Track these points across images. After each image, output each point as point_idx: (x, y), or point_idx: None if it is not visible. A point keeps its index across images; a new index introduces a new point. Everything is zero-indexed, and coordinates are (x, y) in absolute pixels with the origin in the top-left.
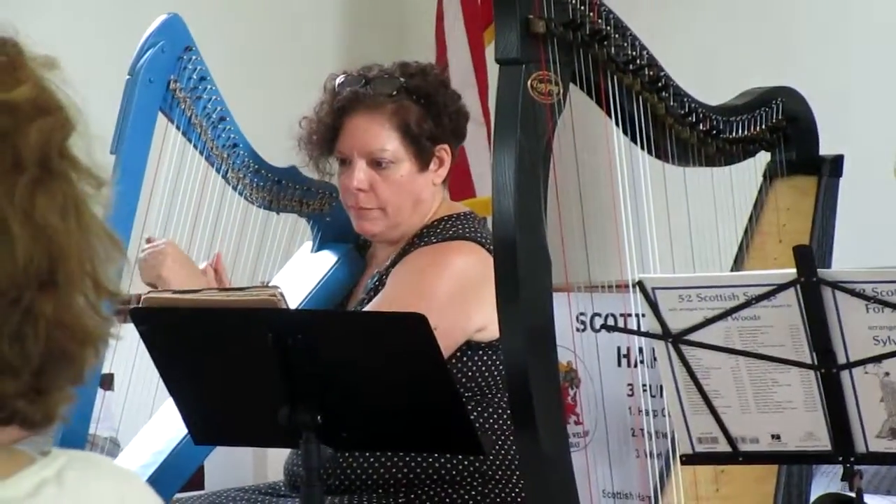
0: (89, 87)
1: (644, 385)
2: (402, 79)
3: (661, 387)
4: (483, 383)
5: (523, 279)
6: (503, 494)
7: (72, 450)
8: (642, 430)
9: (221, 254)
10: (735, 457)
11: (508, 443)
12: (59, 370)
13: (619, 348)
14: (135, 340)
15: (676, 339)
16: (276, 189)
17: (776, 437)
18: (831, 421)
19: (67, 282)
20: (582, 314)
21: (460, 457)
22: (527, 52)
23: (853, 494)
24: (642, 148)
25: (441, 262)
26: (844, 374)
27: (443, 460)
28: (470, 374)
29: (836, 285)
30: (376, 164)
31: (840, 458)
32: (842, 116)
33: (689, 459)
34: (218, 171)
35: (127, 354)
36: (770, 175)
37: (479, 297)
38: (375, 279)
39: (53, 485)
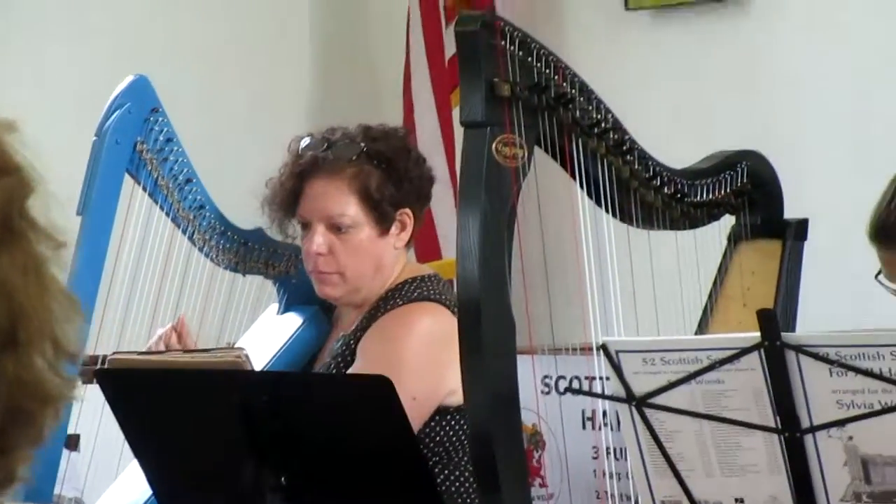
0: (56, 147)
1: (609, 448)
2: (363, 143)
3: (625, 449)
4: (451, 447)
5: (487, 342)
6: None
7: None
8: (607, 492)
9: (185, 316)
10: None
11: None
12: (19, 430)
13: (583, 411)
14: (100, 401)
15: (640, 403)
16: (242, 251)
17: (740, 500)
18: (795, 485)
19: (28, 341)
20: (547, 377)
21: None
22: (492, 115)
23: None
24: (607, 211)
25: (407, 326)
26: (808, 438)
27: None
28: (438, 438)
29: (799, 349)
30: (336, 228)
31: None
32: (806, 180)
33: None
34: (184, 232)
35: (93, 415)
36: (735, 238)
37: (447, 359)
38: (341, 342)
39: None
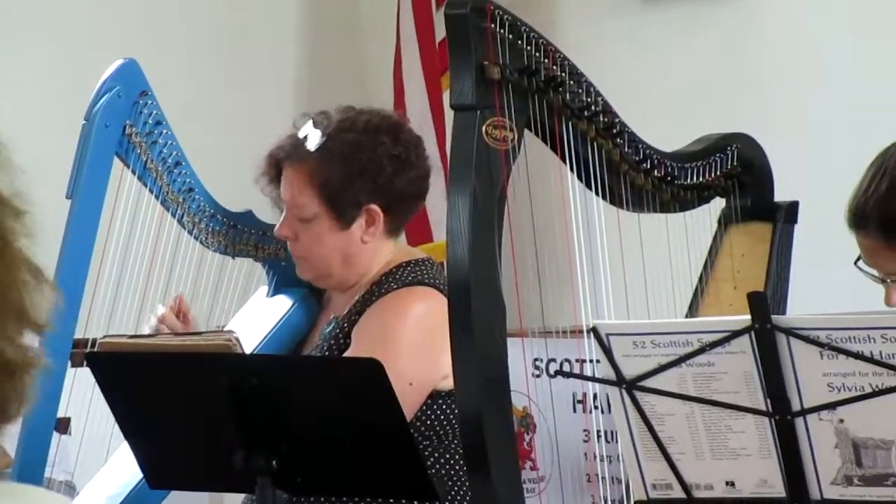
0: (45, 131)
1: (599, 431)
2: (324, 137)
3: (616, 432)
4: (441, 431)
5: (477, 325)
6: None
7: None
8: (597, 475)
9: (183, 296)
10: (689, 503)
11: (465, 489)
12: None
13: (574, 394)
14: (91, 385)
15: (630, 386)
16: (231, 234)
17: (730, 483)
18: (786, 468)
19: None
20: (538, 359)
21: (415, 502)
22: (482, 98)
23: None
24: (597, 194)
25: (401, 311)
26: (799, 421)
27: None
28: (429, 422)
29: (790, 332)
30: (299, 216)
31: None
32: (797, 162)
33: None
34: (173, 215)
35: (83, 398)
36: (725, 221)
37: (441, 343)
38: (333, 325)
39: None
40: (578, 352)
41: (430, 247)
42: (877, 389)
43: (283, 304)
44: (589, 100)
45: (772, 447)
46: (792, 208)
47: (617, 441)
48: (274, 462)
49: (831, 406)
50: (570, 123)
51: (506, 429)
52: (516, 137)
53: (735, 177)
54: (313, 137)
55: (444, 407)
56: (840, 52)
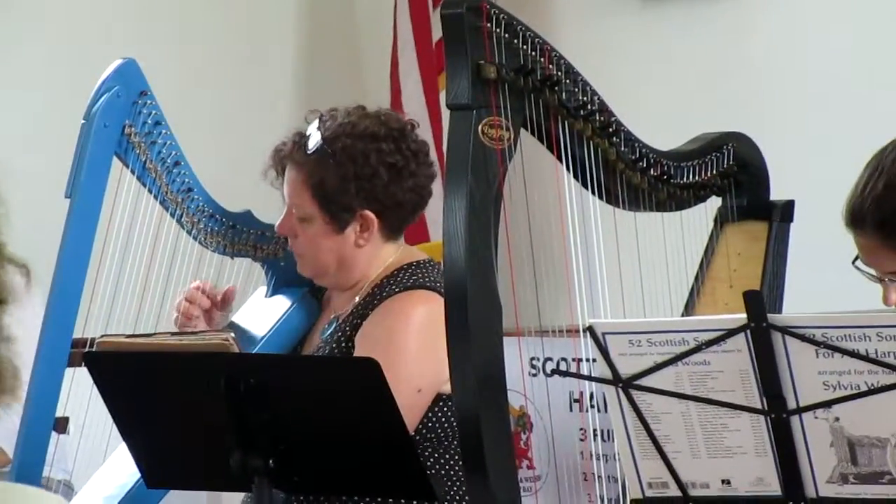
0: (44, 131)
1: (596, 430)
2: (322, 140)
3: (613, 431)
4: (441, 432)
5: (474, 324)
6: None
7: None
8: (594, 474)
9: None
10: (685, 502)
11: (463, 490)
12: None
13: (570, 393)
14: (89, 384)
15: (626, 384)
16: (230, 234)
17: (726, 482)
18: (781, 466)
19: None
20: (534, 359)
21: (413, 502)
22: (478, 97)
23: None
24: (593, 193)
25: (403, 317)
26: (794, 420)
27: None
28: (430, 424)
29: (786, 330)
30: (297, 216)
31: None
32: (793, 161)
33: None
34: (172, 215)
35: (81, 398)
36: (721, 220)
37: (444, 347)
38: (334, 327)
39: None
40: (575, 351)
41: (427, 246)
42: (872, 388)
43: (281, 304)
44: (585, 99)
45: (767, 445)
46: (788, 207)
47: (613, 440)
48: (271, 462)
49: (827, 404)
50: (566, 123)
51: (502, 428)
52: (512, 137)
53: (731, 176)
54: (313, 139)
55: (444, 409)
56: (836, 52)
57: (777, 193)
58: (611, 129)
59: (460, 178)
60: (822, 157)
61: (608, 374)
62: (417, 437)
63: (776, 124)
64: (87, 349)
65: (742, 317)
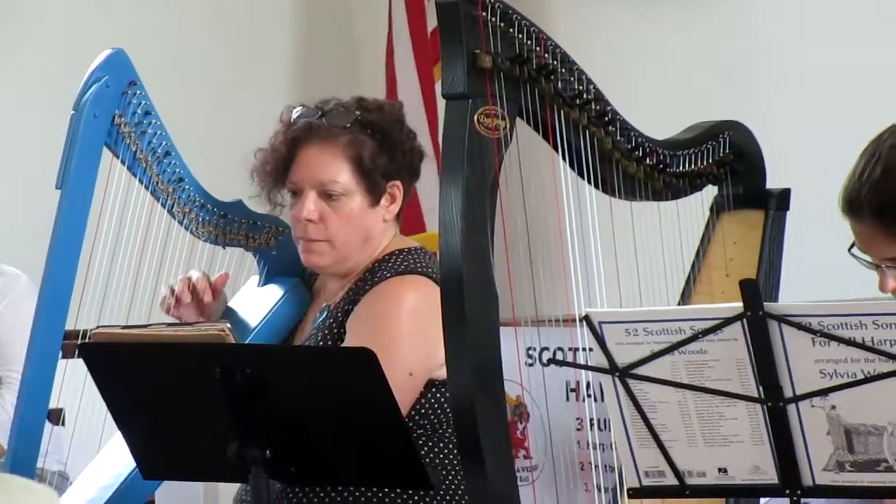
0: (35, 121)
1: (592, 419)
2: (357, 112)
3: (609, 420)
4: (435, 420)
5: (470, 314)
6: None
7: None
8: (591, 463)
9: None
10: (682, 490)
11: (458, 478)
12: None
13: (567, 382)
14: (84, 375)
15: (623, 374)
16: (222, 223)
17: (723, 470)
18: (778, 454)
19: None
20: (531, 348)
21: (410, 492)
22: (473, 87)
23: None
24: (589, 182)
25: (395, 302)
26: (791, 408)
27: (392, 495)
28: (423, 411)
29: (782, 319)
30: (327, 195)
31: (787, 492)
32: (788, 150)
33: (636, 493)
34: (164, 205)
35: (76, 389)
36: (717, 209)
37: (436, 332)
38: (326, 314)
39: None
40: (571, 340)
41: (423, 237)
42: (869, 376)
43: (274, 293)
44: (581, 88)
45: (764, 434)
46: (784, 196)
47: (610, 429)
48: (268, 452)
49: (823, 392)
50: (561, 112)
51: (499, 418)
52: (508, 126)
53: (727, 164)
54: (340, 116)
55: (437, 396)
56: (833, 39)
57: (773, 182)
58: (606, 119)
59: (456, 167)
60: (818, 145)
61: (605, 364)
62: (412, 426)
63: (772, 112)
64: (80, 340)
65: (738, 305)
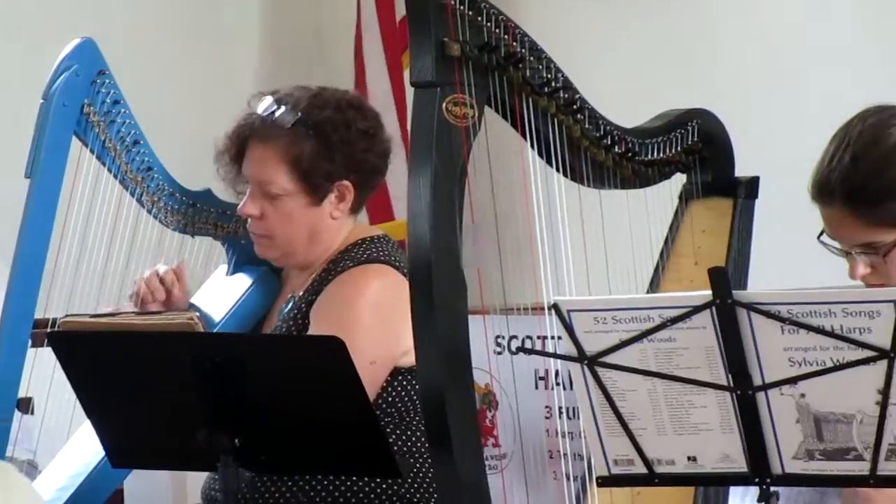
0: (2, 111)
1: (561, 407)
2: (300, 113)
3: (578, 409)
4: (402, 408)
5: (439, 302)
6: None
7: None
8: (559, 451)
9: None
10: (651, 479)
11: (426, 466)
12: None
13: (536, 371)
14: (53, 364)
15: (592, 362)
16: (190, 212)
17: (692, 458)
18: (747, 442)
19: None
20: (499, 336)
21: (378, 480)
22: (442, 75)
23: None
24: (558, 170)
25: (358, 290)
26: (760, 396)
27: (361, 483)
28: (390, 399)
29: (751, 307)
30: (268, 194)
31: (756, 480)
32: (757, 138)
33: (605, 481)
34: (133, 194)
35: (45, 377)
36: (686, 197)
37: (399, 320)
38: (291, 305)
39: None
40: (540, 328)
41: (392, 225)
42: (838, 364)
43: (242, 282)
44: (549, 76)
45: (733, 422)
46: (752, 184)
47: (579, 417)
48: (237, 440)
49: (792, 381)
50: (530, 100)
51: (468, 406)
52: (476, 114)
53: (696, 152)
54: (285, 114)
55: (404, 384)
56: (800, 28)
57: (742, 170)
58: (575, 107)
59: (425, 155)
60: (786, 133)
61: (573, 352)
62: (379, 414)
63: (741, 101)
64: (49, 329)
65: (707, 293)
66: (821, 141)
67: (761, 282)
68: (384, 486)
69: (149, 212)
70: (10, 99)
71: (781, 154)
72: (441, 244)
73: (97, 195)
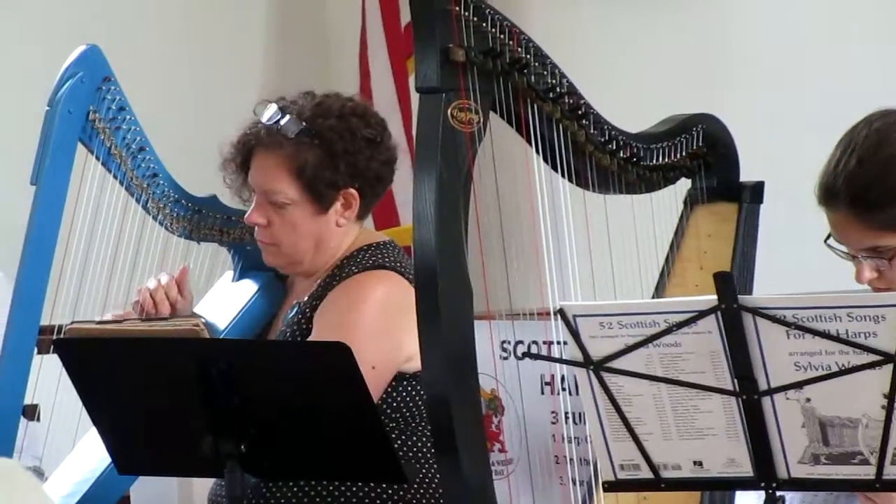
0: (9, 118)
1: (567, 412)
2: (305, 122)
3: (584, 414)
4: (408, 413)
5: (444, 308)
6: None
7: None
8: (566, 457)
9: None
10: (657, 483)
11: (432, 471)
12: None
13: (542, 376)
14: (58, 371)
15: (597, 367)
16: (196, 218)
17: (698, 463)
18: (753, 447)
19: None
20: (505, 342)
21: (384, 486)
22: (446, 80)
23: None
24: (563, 175)
25: (362, 295)
26: (766, 401)
27: (367, 489)
28: (395, 404)
29: (756, 311)
30: (273, 202)
31: (762, 485)
32: (762, 142)
33: (611, 486)
34: (138, 201)
35: (51, 384)
36: (691, 202)
37: (404, 326)
38: (295, 311)
39: None
40: (546, 334)
41: (397, 230)
42: (843, 368)
43: (248, 288)
44: (554, 81)
45: (739, 427)
46: (757, 188)
47: (585, 422)
48: (242, 447)
49: (798, 385)
50: (535, 105)
51: (474, 411)
52: (481, 120)
53: (701, 157)
54: (290, 124)
55: (409, 389)
56: (806, 33)
57: (747, 174)
58: (580, 112)
59: (430, 161)
60: (791, 137)
61: (579, 357)
62: (384, 419)
63: (745, 105)
64: (55, 336)
65: (712, 298)
66: (826, 145)
67: (766, 286)
68: (390, 491)
69: (154, 218)
70: (16, 105)
71: (786, 159)
72: (446, 250)
73: (102, 202)
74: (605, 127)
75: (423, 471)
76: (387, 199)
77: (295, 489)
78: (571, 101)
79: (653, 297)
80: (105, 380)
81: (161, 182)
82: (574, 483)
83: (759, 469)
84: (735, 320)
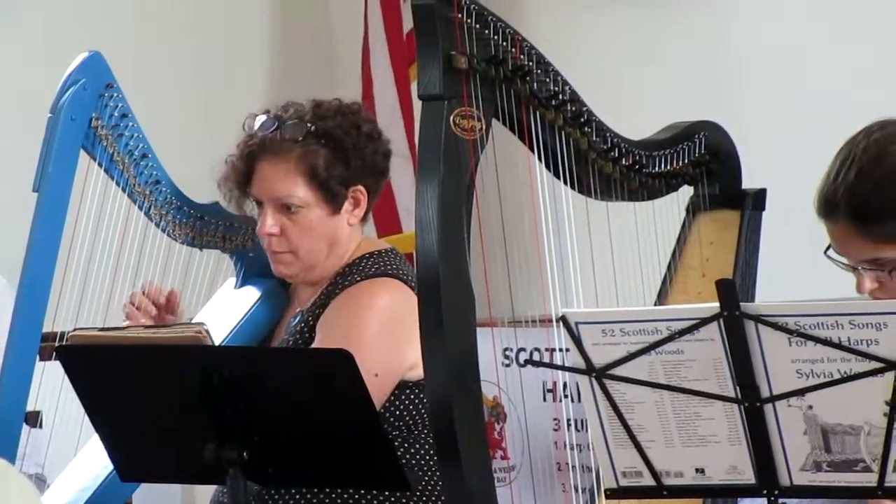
0: (12, 125)
1: (569, 419)
2: (309, 123)
3: (586, 421)
4: (410, 421)
5: (447, 315)
6: None
7: None
8: (568, 464)
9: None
10: (659, 491)
11: (435, 479)
12: None
13: (544, 383)
14: (61, 378)
15: (600, 374)
16: (198, 225)
17: (700, 470)
18: (755, 454)
19: None
20: (507, 349)
21: (387, 493)
22: (449, 88)
23: None
24: (565, 183)
25: (365, 303)
26: (768, 408)
27: (370, 496)
28: (398, 412)
29: (758, 319)
30: (286, 208)
31: (764, 492)
32: (764, 150)
33: (613, 494)
34: (140, 207)
35: (53, 391)
36: (693, 209)
37: (407, 334)
38: (298, 319)
39: None
40: (548, 341)
41: (400, 237)
42: (845, 375)
43: (251, 295)
44: (556, 89)
45: (741, 434)
46: (760, 196)
47: (587, 429)
48: (245, 454)
49: (800, 392)
50: (537, 113)
51: (476, 418)
52: (484, 127)
53: (703, 165)
54: (294, 127)
55: (412, 397)
56: (808, 41)
57: (749, 182)
58: (582, 119)
59: (432, 168)
60: (793, 145)
61: (581, 364)
62: (387, 427)
63: (748, 113)
64: (57, 343)
65: (715, 305)
66: (829, 152)
67: (769, 294)
68: (393, 498)
69: (157, 225)
70: (19, 112)
71: (789, 166)
72: (449, 257)
73: (105, 208)
74: (608, 134)
75: (426, 478)
76: (389, 206)
77: (297, 496)
78: (574, 108)
79: (655, 305)
80: (107, 387)
81: (164, 189)
82: (576, 490)
83: (762, 476)
84: (737, 328)
